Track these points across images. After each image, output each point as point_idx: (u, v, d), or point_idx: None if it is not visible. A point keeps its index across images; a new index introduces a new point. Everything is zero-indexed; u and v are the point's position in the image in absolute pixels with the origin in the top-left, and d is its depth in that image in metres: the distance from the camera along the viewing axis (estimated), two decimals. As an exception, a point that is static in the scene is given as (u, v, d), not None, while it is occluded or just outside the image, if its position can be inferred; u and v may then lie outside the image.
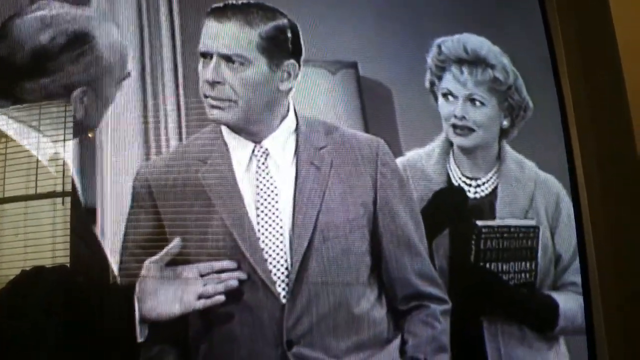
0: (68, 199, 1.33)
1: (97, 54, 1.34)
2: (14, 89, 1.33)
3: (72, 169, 1.35)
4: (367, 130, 1.47)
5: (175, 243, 1.32)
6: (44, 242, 1.31)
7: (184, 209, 1.35)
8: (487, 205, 1.47)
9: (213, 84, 1.35)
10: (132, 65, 1.40)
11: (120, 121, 1.39)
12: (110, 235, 1.36)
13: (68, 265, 1.29)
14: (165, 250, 1.32)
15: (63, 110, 1.34)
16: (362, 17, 1.49)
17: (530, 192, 1.46)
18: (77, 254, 1.29)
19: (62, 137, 1.34)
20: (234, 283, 1.32)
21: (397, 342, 1.39)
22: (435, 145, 1.49)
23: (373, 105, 1.48)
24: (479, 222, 1.43)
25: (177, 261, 1.34)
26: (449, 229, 1.45)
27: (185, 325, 1.35)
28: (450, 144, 1.51)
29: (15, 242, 1.31)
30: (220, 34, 1.35)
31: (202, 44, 1.37)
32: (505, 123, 1.48)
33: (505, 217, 1.46)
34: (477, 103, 1.47)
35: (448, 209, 1.47)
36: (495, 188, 1.47)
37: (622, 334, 1.32)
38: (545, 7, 1.46)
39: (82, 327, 1.27)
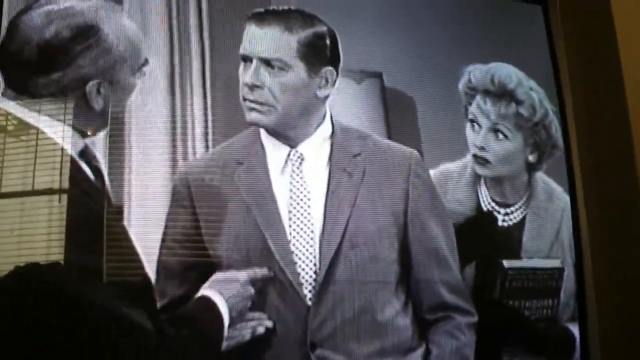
0: (64, 197, 1.33)
1: (105, 46, 1.35)
2: (28, 84, 1.34)
3: (102, 164, 1.39)
4: (390, 138, 1.51)
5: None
6: (39, 238, 1.32)
7: (219, 209, 1.40)
8: (514, 236, 1.51)
9: (252, 87, 1.40)
10: (149, 52, 1.43)
11: (148, 122, 1.44)
12: (139, 234, 1.38)
13: (62, 262, 1.30)
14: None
15: (62, 106, 1.36)
16: (388, 29, 1.54)
17: (557, 224, 1.49)
18: (72, 252, 1.30)
19: (61, 134, 1.36)
20: (261, 330, 1.36)
21: (420, 351, 1.43)
22: (467, 164, 1.51)
23: (397, 116, 1.53)
24: (506, 263, 1.46)
25: (212, 263, 1.38)
26: (476, 261, 1.47)
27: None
28: None
29: (9, 239, 1.32)
30: (260, 39, 1.41)
31: (242, 47, 1.42)
32: (531, 158, 1.50)
33: (531, 250, 1.50)
34: (500, 135, 1.50)
35: (477, 240, 1.48)
36: (524, 218, 1.48)
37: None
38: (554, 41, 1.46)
39: (74, 326, 1.27)
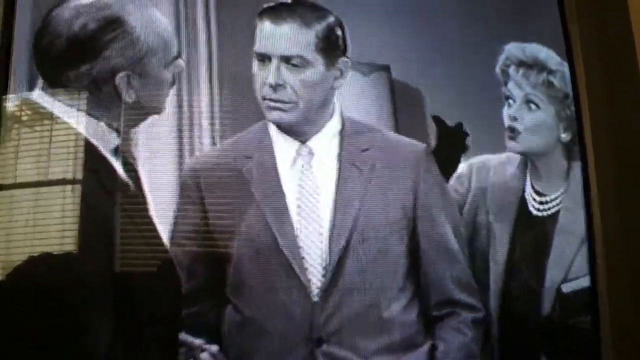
0: (78, 187, 1.36)
1: (132, 38, 1.38)
2: (60, 78, 1.38)
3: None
4: (398, 132, 1.50)
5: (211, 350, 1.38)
6: (53, 228, 1.34)
7: (228, 203, 1.41)
8: (546, 229, 1.49)
9: (276, 86, 1.40)
10: (180, 47, 1.45)
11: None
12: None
13: (76, 252, 1.33)
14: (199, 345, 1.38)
15: (77, 96, 1.38)
16: (396, 20, 1.54)
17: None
18: (85, 242, 1.33)
19: (74, 124, 1.38)
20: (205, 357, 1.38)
21: (427, 346, 1.43)
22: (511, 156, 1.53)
23: (405, 109, 1.53)
24: (564, 288, 1.45)
25: (219, 254, 1.38)
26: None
27: (220, 319, 1.40)
28: None
29: (24, 228, 1.34)
30: (278, 36, 1.41)
31: (259, 45, 1.42)
32: (564, 136, 1.48)
33: (560, 246, 1.47)
34: (533, 106, 1.49)
35: (516, 230, 1.49)
36: (558, 212, 1.45)
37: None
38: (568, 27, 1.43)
39: (86, 313, 1.30)
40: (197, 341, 1.37)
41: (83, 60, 1.36)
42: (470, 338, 1.42)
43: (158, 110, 1.41)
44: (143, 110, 1.40)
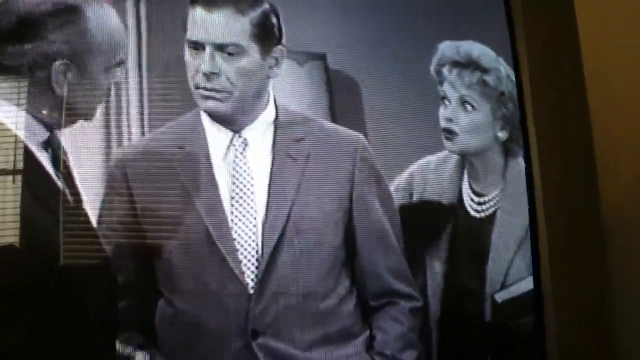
0: (19, 177, 1.33)
1: (82, 28, 1.36)
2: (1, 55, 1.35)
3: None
4: (334, 122, 1.48)
5: None
6: None
7: (158, 194, 1.38)
8: (485, 231, 1.48)
9: (210, 75, 1.38)
10: (127, 54, 1.42)
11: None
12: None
13: (17, 244, 1.30)
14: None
15: (17, 85, 1.35)
16: (330, 8, 1.51)
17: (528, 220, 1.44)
18: (27, 234, 1.31)
19: (14, 113, 1.35)
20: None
21: (364, 336, 1.43)
22: (448, 156, 1.51)
23: (341, 98, 1.52)
24: (498, 297, 1.44)
25: (149, 246, 1.36)
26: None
27: (152, 312, 1.38)
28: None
29: None
30: (211, 24, 1.38)
31: (191, 33, 1.39)
32: (501, 135, 1.47)
33: (499, 248, 1.47)
34: (469, 107, 1.47)
35: (454, 233, 1.48)
36: (495, 212, 1.44)
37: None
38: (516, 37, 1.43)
39: (29, 307, 1.27)
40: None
41: (26, 38, 1.32)
42: (407, 327, 1.42)
43: (87, 117, 1.37)
44: (72, 112, 1.36)
